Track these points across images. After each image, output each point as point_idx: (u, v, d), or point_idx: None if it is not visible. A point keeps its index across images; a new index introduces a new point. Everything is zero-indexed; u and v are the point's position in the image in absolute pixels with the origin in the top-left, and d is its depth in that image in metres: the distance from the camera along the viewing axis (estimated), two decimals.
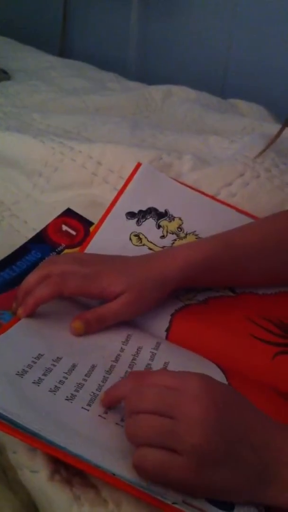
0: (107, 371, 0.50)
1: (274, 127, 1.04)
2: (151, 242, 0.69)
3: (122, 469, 0.40)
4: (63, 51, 1.96)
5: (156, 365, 0.53)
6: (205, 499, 0.40)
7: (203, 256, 0.60)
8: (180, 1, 1.64)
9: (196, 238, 0.69)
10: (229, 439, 0.39)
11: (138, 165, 0.77)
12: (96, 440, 0.42)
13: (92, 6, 1.88)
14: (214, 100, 1.23)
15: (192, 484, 0.39)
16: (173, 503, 0.39)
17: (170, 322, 0.60)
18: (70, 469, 0.42)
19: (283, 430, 0.42)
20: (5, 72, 1.31)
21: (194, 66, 1.67)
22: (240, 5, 1.51)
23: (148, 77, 1.64)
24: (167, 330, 0.59)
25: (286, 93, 1.43)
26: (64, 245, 0.71)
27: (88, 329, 0.55)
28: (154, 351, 0.55)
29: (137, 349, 0.54)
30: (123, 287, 0.56)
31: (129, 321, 0.58)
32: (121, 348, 0.54)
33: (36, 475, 0.42)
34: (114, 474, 0.40)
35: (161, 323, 0.59)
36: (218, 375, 0.53)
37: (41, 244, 0.70)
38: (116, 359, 0.52)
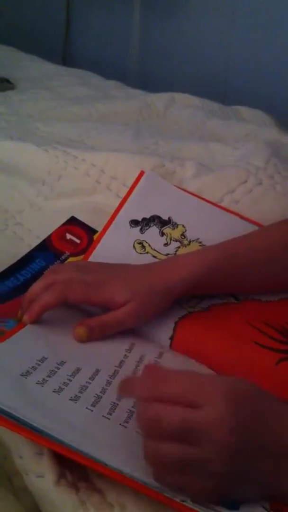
0: (111, 376, 0.50)
1: (277, 133, 1.04)
2: (154, 250, 0.69)
3: (130, 468, 0.40)
4: (66, 58, 1.97)
5: None
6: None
7: (207, 267, 0.60)
8: (181, 8, 1.65)
9: (200, 246, 0.69)
10: (250, 459, 0.39)
11: (142, 173, 0.77)
12: (101, 440, 0.42)
13: (94, 13, 1.89)
14: (217, 107, 1.24)
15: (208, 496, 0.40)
16: (182, 501, 0.39)
17: (174, 329, 0.60)
18: (75, 474, 0.42)
19: None
20: (9, 82, 1.31)
21: (195, 72, 1.68)
22: (239, 11, 1.52)
23: (149, 83, 1.65)
24: (171, 337, 0.59)
25: None
26: (68, 253, 0.71)
27: (91, 336, 0.55)
28: (157, 360, 0.55)
29: (141, 357, 0.55)
30: (127, 297, 0.56)
31: (133, 329, 0.59)
32: (125, 355, 0.54)
33: (41, 479, 0.42)
34: (121, 472, 0.40)
35: (165, 331, 0.59)
36: None
37: (45, 252, 0.71)
38: (120, 365, 0.53)
